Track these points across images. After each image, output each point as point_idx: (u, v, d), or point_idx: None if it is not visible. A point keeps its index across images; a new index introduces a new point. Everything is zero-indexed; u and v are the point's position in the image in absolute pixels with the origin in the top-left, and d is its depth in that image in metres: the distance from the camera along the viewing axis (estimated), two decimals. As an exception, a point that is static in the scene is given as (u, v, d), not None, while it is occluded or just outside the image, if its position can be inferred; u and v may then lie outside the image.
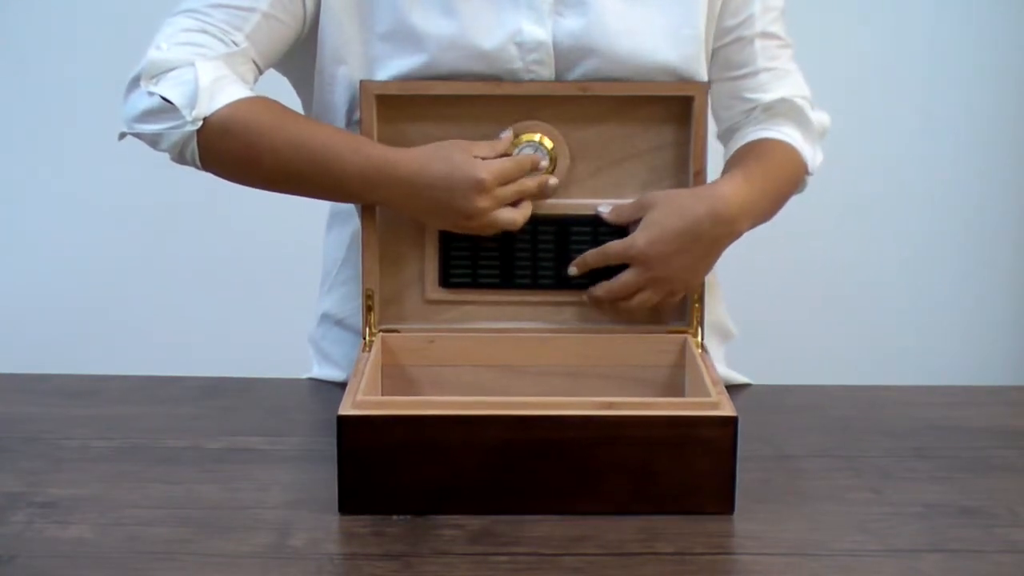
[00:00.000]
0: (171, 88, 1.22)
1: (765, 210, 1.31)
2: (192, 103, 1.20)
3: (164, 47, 1.23)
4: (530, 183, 1.24)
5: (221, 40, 1.24)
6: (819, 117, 1.39)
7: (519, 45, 1.26)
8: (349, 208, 1.39)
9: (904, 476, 1.15)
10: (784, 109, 1.36)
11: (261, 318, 2.44)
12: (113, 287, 2.59)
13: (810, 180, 1.39)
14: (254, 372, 1.41)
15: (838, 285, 2.63)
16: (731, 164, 1.34)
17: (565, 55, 1.27)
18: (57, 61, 2.55)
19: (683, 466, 1.05)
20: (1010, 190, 2.65)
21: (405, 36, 1.26)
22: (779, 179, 1.33)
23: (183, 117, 1.21)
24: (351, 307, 1.40)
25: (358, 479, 1.05)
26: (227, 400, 1.34)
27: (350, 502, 1.06)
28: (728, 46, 1.35)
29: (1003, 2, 2.60)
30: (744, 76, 1.36)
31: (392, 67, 1.27)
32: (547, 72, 1.27)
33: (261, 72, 1.30)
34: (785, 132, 1.35)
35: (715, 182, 1.27)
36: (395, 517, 1.05)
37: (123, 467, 1.16)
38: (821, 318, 2.62)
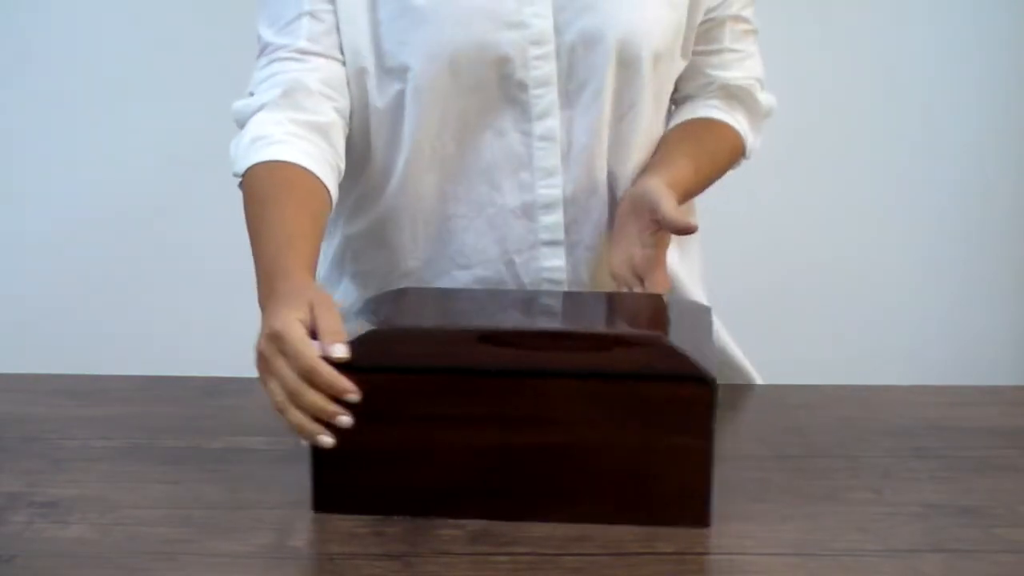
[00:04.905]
0: (235, 142, 1.29)
1: (695, 192, 1.37)
2: (234, 159, 1.28)
3: (251, 92, 1.31)
4: (325, 403, 1.02)
5: (288, 59, 1.29)
6: (766, 99, 1.44)
7: None
8: (333, 219, 1.41)
9: (904, 476, 1.15)
10: (739, 94, 1.41)
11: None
12: (114, 287, 2.59)
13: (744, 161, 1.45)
14: (254, 372, 1.40)
15: (838, 285, 2.63)
16: (678, 141, 1.37)
17: (564, 7, 1.27)
18: (57, 62, 2.55)
19: (657, 478, 1.04)
20: (1011, 190, 2.65)
21: None
22: (716, 166, 1.40)
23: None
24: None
25: (333, 478, 1.06)
26: (227, 400, 1.34)
27: (324, 502, 1.07)
28: (702, 24, 1.37)
29: (1004, 2, 2.60)
30: (709, 52, 1.40)
31: (394, 33, 1.28)
32: (546, 24, 1.27)
33: (343, 62, 1.31)
34: (735, 117, 1.41)
35: (661, 175, 1.30)
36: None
37: (123, 467, 1.16)
38: (821, 318, 2.62)
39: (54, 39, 2.54)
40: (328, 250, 1.44)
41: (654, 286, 1.26)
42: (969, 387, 1.44)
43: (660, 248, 1.28)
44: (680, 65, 1.38)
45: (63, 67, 2.55)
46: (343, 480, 1.07)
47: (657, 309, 1.17)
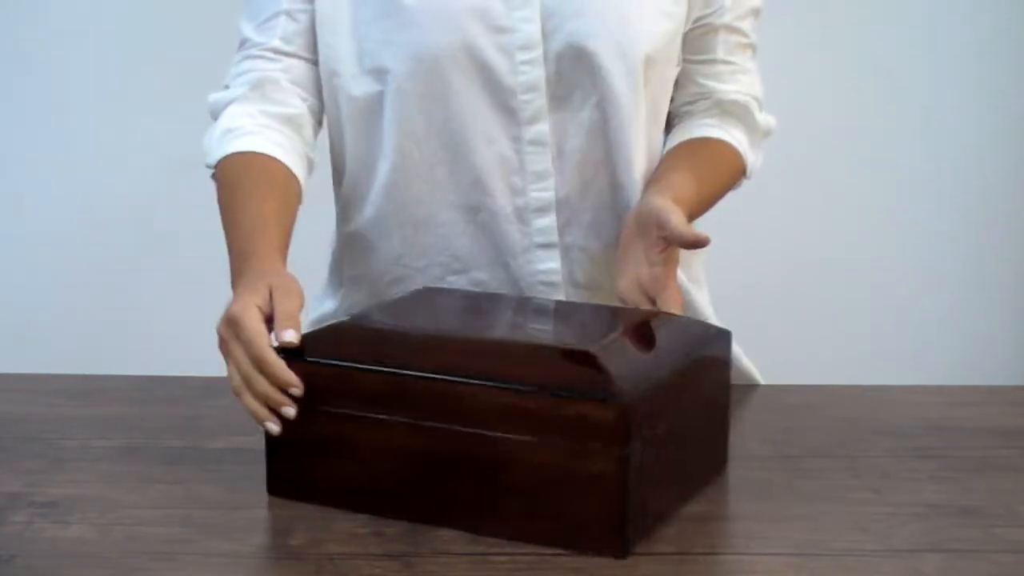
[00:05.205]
0: (208, 135, 1.32)
1: (698, 212, 1.33)
2: (207, 151, 1.31)
3: (227, 85, 1.35)
4: (272, 392, 1.06)
5: (261, 57, 1.33)
6: (765, 119, 1.41)
7: (506, 2, 1.26)
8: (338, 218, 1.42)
9: (904, 476, 1.15)
10: (735, 110, 1.38)
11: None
12: (114, 287, 2.59)
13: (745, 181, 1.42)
14: (254, 372, 1.40)
15: (838, 285, 2.63)
16: (677, 159, 1.35)
17: (553, 13, 1.27)
18: (57, 62, 2.55)
19: (570, 500, 0.99)
20: (1011, 190, 2.65)
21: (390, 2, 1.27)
22: (718, 184, 1.36)
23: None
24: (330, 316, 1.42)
25: (281, 464, 1.09)
26: (227, 400, 1.33)
27: (275, 487, 1.09)
28: (693, 31, 1.35)
29: (1005, 2, 2.60)
30: (701, 62, 1.38)
31: (378, 33, 1.28)
32: (534, 29, 1.27)
33: (316, 62, 1.33)
34: (734, 135, 1.38)
35: (664, 192, 1.26)
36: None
37: (123, 467, 1.16)
38: (821, 318, 2.62)
39: (53, 40, 2.54)
40: (327, 254, 1.45)
41: (667, 304, 1.21)
42: (969, 387, 1.44)
43: (669, 266, 1.23)
44: (676, 71, 1.37)
45: (63, 67, 2.55)
46: (289, 467, 1.09)
47: (642, 325, 1.12)
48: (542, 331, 1.18)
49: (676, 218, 1.20)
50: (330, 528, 1.04)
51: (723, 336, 1.16)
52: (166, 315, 2.57)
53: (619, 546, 0.98)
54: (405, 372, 1.03)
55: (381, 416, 1.04)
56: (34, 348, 2.36)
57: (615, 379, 0.98)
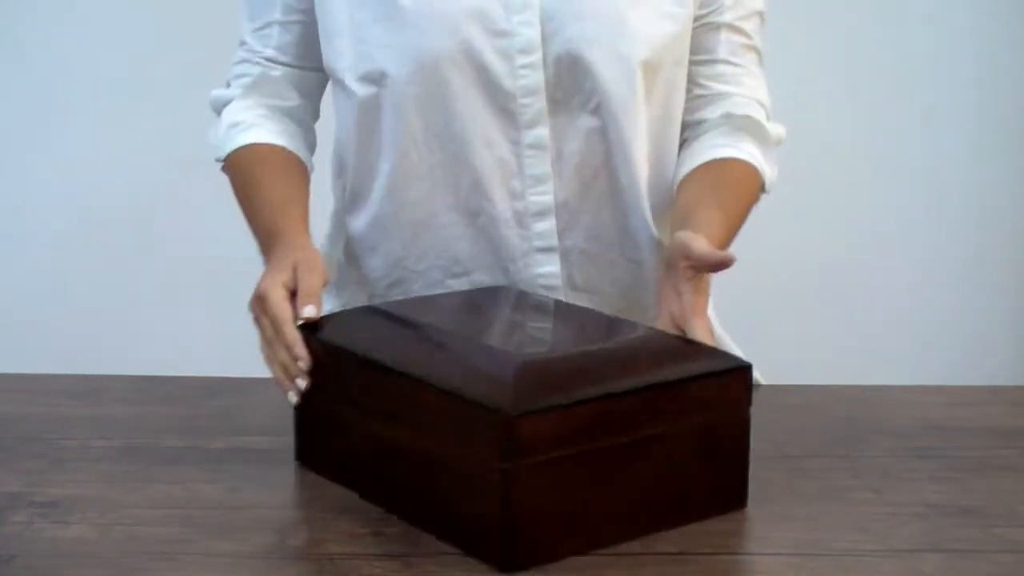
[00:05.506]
0: (214, 130, 1.38)
1: (728, 241, 1.29)
2: (216, 146, 1.37)
3: (227, 82, 1.41)
4: (290, 364, 1.13)
5: (256, 63, 1.38)
6: (775, 129, 1.38)
7: (505, 5, 1.26)
8: (338, 223, 1.43)
9: (904, 476, 1.15)
10: (746, 125, 1.35)
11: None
12: (114, 287, 2.59)
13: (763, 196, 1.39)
14: (254, 372, 1.40)
15: (838, 285, 2.63)
16: (698, 190, 1.30)
17: (552, 17, 1.26)
18: (56, 62, 2.55)
19: (465, 504, 1.00)
20: (1011, 190, 2.65)
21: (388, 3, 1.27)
22: (742, 208, 1.33)
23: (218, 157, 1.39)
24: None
25: (304, 436, 1.16)
26: (227, 400, 1.34)
27: (301, 455, 1.16)
28: (695, 30, 1.34)
29: (1005, 2, 2.60)
30: (703, 62, 1.35)
31: (376, 35, 1.28)
32: (533, 32, 1.26)
33: (312, 68, 1.38)
34: (747, 151, 1.34)
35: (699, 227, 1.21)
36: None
37: (123, 467, 1.16)
38: (821, 318, 2.62)
39: (53, 40, 2.54)
40: (333, 254, 1.44)
41: (694, 332, 1.13)
42: (969, 387, 1.44)
43: (698, 295, 1.16)
44: (684, 74, 1.35)
45: (63, 67, 2.55)
46: (304, 438, 1.16)
47: (635, 344, 1.09)
48: (520, 337, 1.18)
49: (698, 243, 1.16)
50: (330, 528, 1.04)
51: (737, 369, 1.07)
52: (166, 315, 2.57)
53: (503, 559, 0.96)
54: (376, 363, 1.07)
55: (359, 401, 1.08)
56: (34, 348, 2.36)
57: (519, 393, 0.96)
